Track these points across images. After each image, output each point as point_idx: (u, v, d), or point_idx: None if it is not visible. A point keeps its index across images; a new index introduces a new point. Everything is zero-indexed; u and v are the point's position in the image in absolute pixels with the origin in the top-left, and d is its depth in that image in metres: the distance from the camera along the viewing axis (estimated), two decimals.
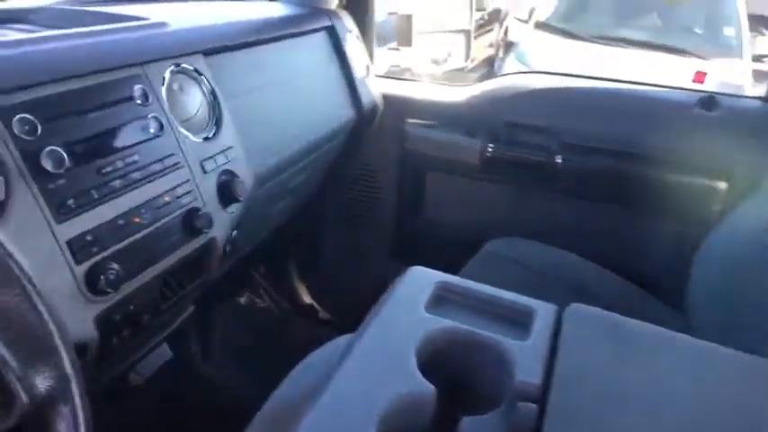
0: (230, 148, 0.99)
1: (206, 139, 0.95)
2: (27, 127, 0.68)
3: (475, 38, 5.35)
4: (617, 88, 1.42)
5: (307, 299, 1.87)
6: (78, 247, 0.71)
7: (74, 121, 0.74)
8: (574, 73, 1.51)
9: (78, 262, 0.71)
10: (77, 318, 0.71)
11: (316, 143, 1.30)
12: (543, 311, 0.77)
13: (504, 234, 1.42)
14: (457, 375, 0.74)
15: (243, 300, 1.78)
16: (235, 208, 0.98)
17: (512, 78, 1.56)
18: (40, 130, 0.69)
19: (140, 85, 0.84)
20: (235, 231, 1.02)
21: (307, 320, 1.84)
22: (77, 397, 0.42)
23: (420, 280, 0.91)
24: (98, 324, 0.73)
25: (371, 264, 1.72)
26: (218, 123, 0.98)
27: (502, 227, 1.46)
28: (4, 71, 0.70)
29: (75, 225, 0.71)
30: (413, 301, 0.85)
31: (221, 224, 0.95)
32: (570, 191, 1.43)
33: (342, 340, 0.89)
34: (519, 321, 0.76)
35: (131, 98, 0.82)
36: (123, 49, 0.86)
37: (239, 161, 1.00)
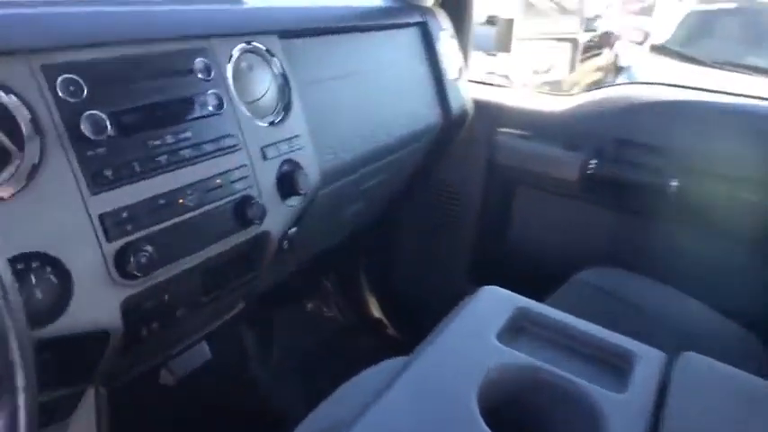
0: (297, 137, 0.90)
1: (271, 124, 0.87)
2: (72, 88, 0.63)
3: (581, 61, 5.10)
4: (753, 105, 1.21)
5: (376, 313, 1.76)
6: (111, 223, 0.64)
7: (125, 87, 0.68)
8: (700, 86, 1.31)
9: (109, 239, 0.64)
10: (101, 301, 0.64)
11: (395, 144, 1.20)
12: (648, 358, 0.62)
13: (601, 263, 1.25)
14: (527, 425, 0.60)
15: (309, 306, 1.70)
16: (295, 202, 0.89)
17: (624, 89, 1.38)
18: (85, 93, 0.64)
19: (202, 59, 0.77)
20: (294, 228, 0.94)
21: (373, 336, 1.73)
22: (22, 390, 0.34)
23: (495, 302, 0.79)
24: (124, 311, 0.66)
25: (447, 283, 1.59)
26: (286, 109, 0.90)
27: (598, 255, 1.29)
28: (55, 28, 0.65)
29: (110, 199, 0.65)
30: (483, 326, 0.73)
31: (277, 217, 0.86)
32: (684, 220, 1.24)
33: (395, 362, 0.78)
34: (616, 367, 0.62)
35: (191, 71, 0.76)
36: (190, 19, 0.80)
37: (305, 152, 0.92)
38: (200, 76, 0.76)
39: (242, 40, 0.84)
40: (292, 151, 0.89)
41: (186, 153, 0.73)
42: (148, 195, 0.68)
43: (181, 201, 0.72)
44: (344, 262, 1.71)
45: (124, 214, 0.66)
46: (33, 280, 0.57)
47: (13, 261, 0.57)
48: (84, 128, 0.62)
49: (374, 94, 1.14)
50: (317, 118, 0.97)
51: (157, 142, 0.70)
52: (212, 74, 0.78)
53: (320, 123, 0.98)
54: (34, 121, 0.60)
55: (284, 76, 0.91)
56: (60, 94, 0.62)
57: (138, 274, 0.65)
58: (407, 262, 1.67)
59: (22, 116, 0.59)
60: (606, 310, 1.10)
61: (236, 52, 0.83)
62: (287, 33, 0.94)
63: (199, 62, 0.77)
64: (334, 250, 1.42)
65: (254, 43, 0.87)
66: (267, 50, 0.89)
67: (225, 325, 0.95)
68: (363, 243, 1.63)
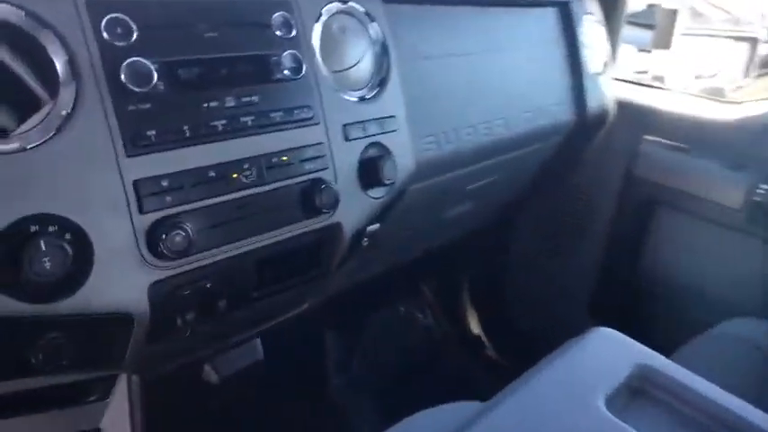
0: (390, 117, 0.77)
1: (361, 99, 0.75)
2: (120, 30, 0.54)
3: (755, 77, 4.46)
4: None
5: (475, 329, 1.59)
6: (147, 192, 0.55)
7: (183, 36, 0.59)
8: None
9: (143, 210, 0.55)
10: (125, 280, 0.55)
11: (515, 141, 1.03)
12: None
13: (755, 313, 1.00)
14: None
15: (403, 309, 1.57)
16: (379, 193, 0.76)
17: None
18: (135, 37, 0.55)
19: (284, 13, 0.66)
20: (377, 224, 0.80)
21: (468, 353, 1.56)
22: None
23: (611, 350, 0.62)
24: (152, 295, 0.57)
25: (560, 308, 1.39)
26: (381, 84, 0.78)
27: (754, 302, 1.05)
28: None
29: (149, 164, 0.56)
30: (591, 383, 0.56)
31: (354, 209, 0.73)
32: None
33: (472, 407, 0.62)
34: None
35: (268, 26, 0.65)
36: None
37: (399, 137, 0.78)
38: (278, 32, 0.65)
39: None
40: (382, 134, 0.76)
41: (249, 120, 0.62)
42: (195, 165, 0.58)
43: (235, 175, 0.61)
44: (447, 268, 1.56)
45: (164, 183, 0.56)
46: (43, 246, 0.49)
47: (24, 222, 0.49)
48: (125, 76, 0.53)
49: (494, 80, 0.98)
50: (418, 99, 0.83)
51: (215, 104, 0.60)
52: (293, 32, 0.67)
53: (422, 106, 0.83)
54: (71, 63, 0.52)
55: (383, 46, 0.78)
56: (105, 36, 0.54)
57: (172, 256, 0.56)
58: (517, 280, 1.48)
59: (59, 56, 0.52)
60: (762, 377, 0.85)
61: (326, 11, 0.71)
62: None
63: (278, 16, 0.65)
64: (436, 254, 1.27)
65: (351, 3, 0.74)
66: (366, 13, 0.76)
67: (298, 323, 0.84)
68: (470, 252, 1.46)
